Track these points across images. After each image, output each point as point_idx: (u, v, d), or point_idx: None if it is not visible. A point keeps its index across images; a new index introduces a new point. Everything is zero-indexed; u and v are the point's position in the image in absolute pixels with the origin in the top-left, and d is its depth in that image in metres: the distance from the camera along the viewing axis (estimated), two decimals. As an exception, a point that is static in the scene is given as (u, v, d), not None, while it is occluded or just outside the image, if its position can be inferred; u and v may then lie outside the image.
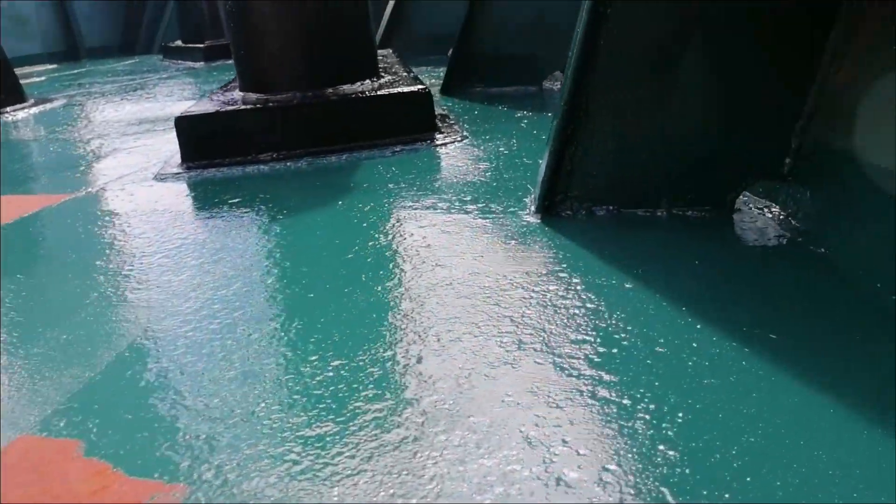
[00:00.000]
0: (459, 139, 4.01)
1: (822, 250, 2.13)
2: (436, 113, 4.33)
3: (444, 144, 3.93)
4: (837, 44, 2.23)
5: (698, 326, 1.75)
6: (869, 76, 2.10)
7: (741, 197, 2.52)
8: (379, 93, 3.98)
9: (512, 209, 2.77)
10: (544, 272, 2.16)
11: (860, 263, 1.97)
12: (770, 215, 2.44)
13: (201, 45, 9.99)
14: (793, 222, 2.34)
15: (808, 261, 2.11)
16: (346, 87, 4.13)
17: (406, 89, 3.99)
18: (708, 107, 2.43)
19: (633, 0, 2.32)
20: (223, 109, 3.91)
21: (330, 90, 4.11)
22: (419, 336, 1.82)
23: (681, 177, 2.51)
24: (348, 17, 4.21)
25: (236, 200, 3.24)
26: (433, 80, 6.14)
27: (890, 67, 1.98)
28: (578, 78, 2.47)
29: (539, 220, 2.62)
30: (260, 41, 4.09)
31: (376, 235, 2.63)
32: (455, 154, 3.74)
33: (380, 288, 2.16)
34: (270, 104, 3.95)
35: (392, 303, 2.04)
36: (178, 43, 10.65)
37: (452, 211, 2.83)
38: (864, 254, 1.98)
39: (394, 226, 2.73)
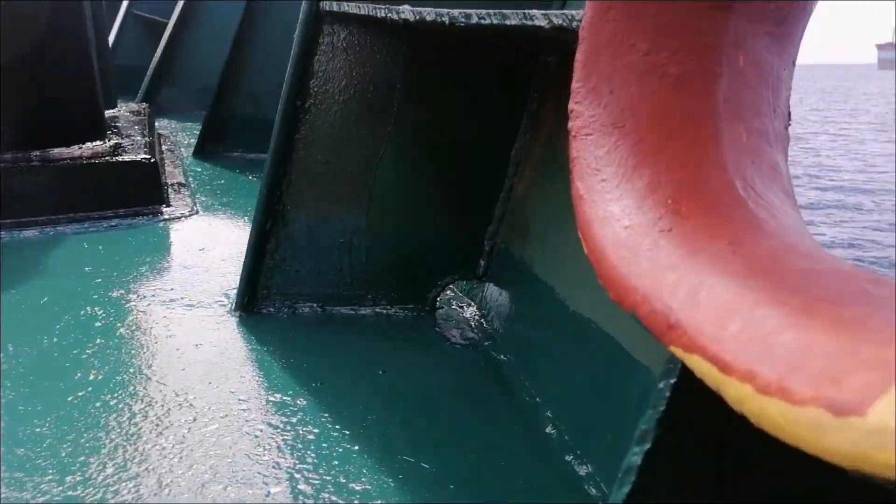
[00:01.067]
0: (189, 213, 3.71)
1: (503, 357, 2.16)
2: (171, 182, 3.99)
3: (171, 220, 3.60)
4: (519, 154, 2.34)
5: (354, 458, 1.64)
6: (539, 186, 2.21)
7: (445, 294, 2.53)
8: (94, 160, 3.58)
9: (212, 304, 2.54)
10: (208, 382, 1.95)
11: (529, 376, 2.00)
12: (470, 315, 2.46)
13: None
14: (484, 324, 2.37)
15: (491, 369, 2.12)
16: (58, 151, 3.67)
17: (126, 158, 3.63)
18: (407, 205, 2.42)
19: (323, 112, 2.27)
20: None
21: (37, 153, 3.62)
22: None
23: (383, 274, 2.46)
24: (65, 69, 3.77)
25: None
26: (192, 140, 5.76)
27: (553, 180, 2.09)
28: (278, 166, 2.35)
29: (237, 319, 2.41)
30: (-53, 92, 3.51)
31: (40, 334, 2.25)
32: (178, 231, 3.44)
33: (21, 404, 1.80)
34: (-46, 167, 3.37)
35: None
36: None
37: (143, 303, 2.53)
38: (534, 367, 2.02)
39: (70, 322, 2.37)
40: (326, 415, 1.81)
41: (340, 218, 2.42)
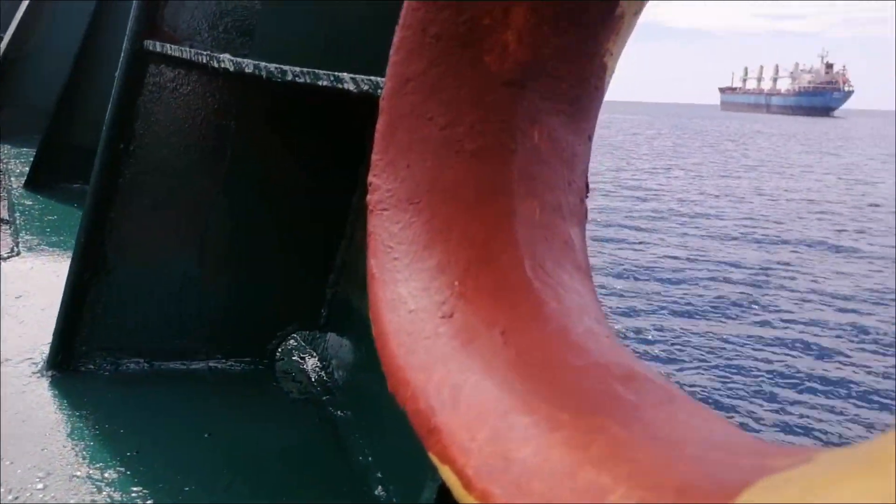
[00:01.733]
0: (7, 254, 3.37)
1: (341, 413, 2.09)
2: (-9, 218, 3.61)
3: (-14, 261, 3.25)
4: (360, 203, 2.31)
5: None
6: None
7: (286, 345, 2.43)
8: None
9: (21, 362, 2.29)
10: (3, 457, 1.74)
11: (365, 433, 1.95)
12: (311, 366, 2.38)
13: None
14: (325, 376, 2.30)
15: (328, 426, 2.05)
16: None
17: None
18: (243, 254, 2.32)
19: (150, 155, 2.13)
20: None
21: None
22: None
23: (218, 325, 2.33)
24: None
25: None
26: (26, 169, 5.27)
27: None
28: (98, 211, 2.17)
29: (49, 379, 2.19)
30: None
31: None
32: (-7, 276, 3.10)
33: None
34: None
35: None
36: None
37: (-64, 366, 2.24)
38: (369, 424, 1.97)
39: None
40: (138, 489, 1.67)
41: (170, 266, 2.27)
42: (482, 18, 1.03)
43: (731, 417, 5.87)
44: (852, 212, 17.17)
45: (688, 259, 11.02)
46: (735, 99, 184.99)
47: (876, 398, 6.29)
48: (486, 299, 0.89)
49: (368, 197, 1.07)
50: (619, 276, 9.69)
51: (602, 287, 8.84)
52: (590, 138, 1.21)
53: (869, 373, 6.77)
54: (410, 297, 0.91)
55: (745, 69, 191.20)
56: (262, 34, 2.07)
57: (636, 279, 9.63)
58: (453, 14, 1.03)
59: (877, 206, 17.65)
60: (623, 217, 14.38)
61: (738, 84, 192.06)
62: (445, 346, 0.80)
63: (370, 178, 1.08)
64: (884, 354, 7.41)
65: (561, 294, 0.96)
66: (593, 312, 0.97)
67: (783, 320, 8.05)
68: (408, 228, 1.00)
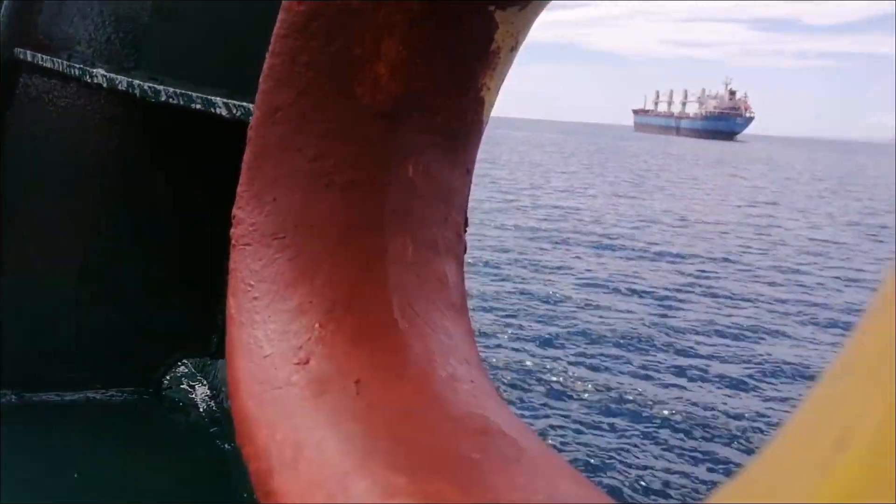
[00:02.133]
0: None
1: (227, 446, 2.00)
2: None
3: None
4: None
5: None
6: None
7: (173, 373, 2.31)
8: None
9: None
10: None
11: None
12: (200, 395, 2.27)
13: None
14: (214, 406, 2.20)
15: (213, 461, 1.95)
16: None
17: None
18: (127, 277, 2.19)
19: (21, 171, 1.99)
20: None
21: None
22: None
23: (98, 353, 2.19)
24: None
25: None
26: None
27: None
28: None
29: None
30: None
31: None
32: None
33: None
34: None
35: None
36: None
37: None
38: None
39: None
40: (-8, 538, 1.53)
41: (45, 290, 2.12)
42: (353, 49, 1.00)
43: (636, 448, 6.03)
44: (758, 232, 18.19)
45: (604, 280, 11.32)
46: (647, 121, 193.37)
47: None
48: (346, 343, 0.85)
49: (231, 231, 1.01)
50: (530, 299, 9.86)
51: (506, 312, 8.97)
52: (469, 171, 1.20)
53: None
54: (267, 340, 0.86)
55: (657, 93, 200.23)
56: (150, 47, 1.98)
57: (550, 302, 9.83)
58: (323, 43, 1.00)
59: (779, 227, 18.76)
60: (539, 237, 14.68)
61: (650, 106, 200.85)
62: (296, 397, 0.76)
63: (234, 211, 1.03)
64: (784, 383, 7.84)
65: (428, 335, 0.93)
66: (462, 353, 0.96)
67: (690, 348, 8.38)
68: (270, 266, 0.95)
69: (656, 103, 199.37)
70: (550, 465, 0.67)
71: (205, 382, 2.32)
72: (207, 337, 2.24)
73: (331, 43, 1.00)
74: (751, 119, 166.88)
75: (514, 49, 1.16)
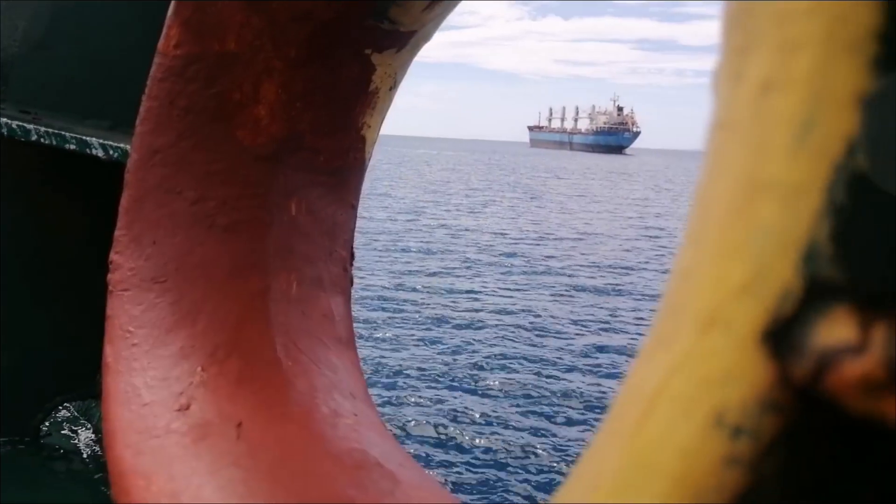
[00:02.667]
0: None
1: (115, 490, 1.92)
2: None
3: None
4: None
5: None
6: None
7: (54, 418, 2.19)
8: None
9: None
10: None
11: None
12: (83, 440, 2.16)
13: None
14: (98, 449, 2.10)
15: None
16: None
17: None
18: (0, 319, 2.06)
19: None
20: None
21: None
22: None
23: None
24: None
25: None
26: None
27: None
28: None
29: None
30: None
31: None
32: None
33: None
34: None
35: None
36: None
37: None
38: None
39: None
40: None
41: None
42: (232, 93, 1.02)
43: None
44: (650, 239, 19.17)
45: (506, 297, 11.57)
46: (542, 137, 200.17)
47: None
48: (229, 386, 0.86)
49: (109, 276, 1.00)
50: (432, 320, 9.97)
51: (413, 336, 9.03)
52: (353, 206, 1.23)
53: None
54: (146, 388, 0.86)
55: (550, 109, 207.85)
56: (19, 79, 1.89)
57: (449, 323, 9.96)
58: (202, 87, 1.01)
59: (668, 234, 19.84)
60: (441, 256, 14.85)
61: (544, 123, 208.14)
62: (176, 444, 0.76)
63: (112, 256, 1.01)
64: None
65: (312, 372, 0.96)
66: (347, 386, 0.98)
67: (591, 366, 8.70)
68: (150, 311, 0.95)
69: (550, 120, 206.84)
70: (427, 494, 0.71)
71: (89, 426, 2.21)
72: (91, 378, 2.15)
73: (210, 87, 1.01)
74: (638, 133, 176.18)
75: (392, 87, 1.21)
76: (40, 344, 2.10)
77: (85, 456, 2.02)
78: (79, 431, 2.20)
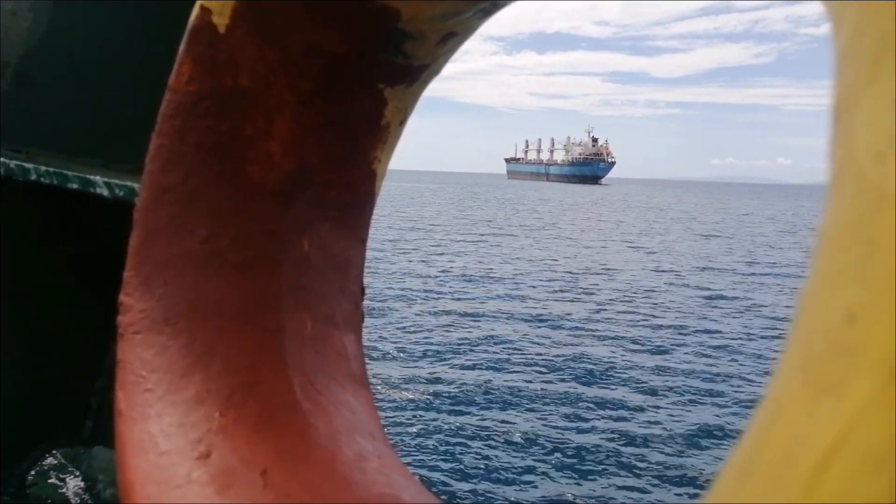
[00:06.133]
0: None
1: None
2: None
3: None
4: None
5: None
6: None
7: (40, 466, 2.10)
8: None
9: None
10: None
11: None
12: (72, 488, 2.07)
13: None
14: (89, 497, 2.02)
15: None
16: None
17: None
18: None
19: None
20: None
21: None
22: None
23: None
24: None
25: None
26: None
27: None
28: None
29: None
30: None
31: None
32: None
33: None
34: None
35: None
36: None
37: None
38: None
39: None
40: None
41: None
42: (244, 129, 1.00)
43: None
44: (634, 271, 19.30)
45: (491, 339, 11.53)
46: (519, 168, 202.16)
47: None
48: (249, 431, 0.82)
49: (119, 318, 0.96)
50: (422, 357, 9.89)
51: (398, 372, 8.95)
52: (363, 241, 1.21)
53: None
54: (163, 435, 0.82)
55: (527, 141, 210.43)
56: (9, 118, 1.86)
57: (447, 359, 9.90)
58: (213, 124, 0.99)
59: (661, 272, 19.99)
60: (426, 296, 14.83)
61: (521, 155, 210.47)
62: (199, 495, 0.73)
63: (121, 298, 0.97)
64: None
65: (332, 413, 0.92)
66: (366, 427, 0.95)
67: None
68: (163, 354, 0.91)
69: (526, 151, 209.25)
70: None
71: (77, 473, 2.13)
72: (79, 424, 2.07)
73: (221, 123, 0.99)
74: (613, 163, 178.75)
75: (402, 122, 1.20)
76: (25, 389, 2.03)
77: (73, 502, 1.95)
78: (66, 479, 2.12)
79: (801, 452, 0.23)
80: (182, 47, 0.97)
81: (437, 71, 1.15)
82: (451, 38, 1.04)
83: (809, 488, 0.22)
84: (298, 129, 1.03)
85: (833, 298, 0.25)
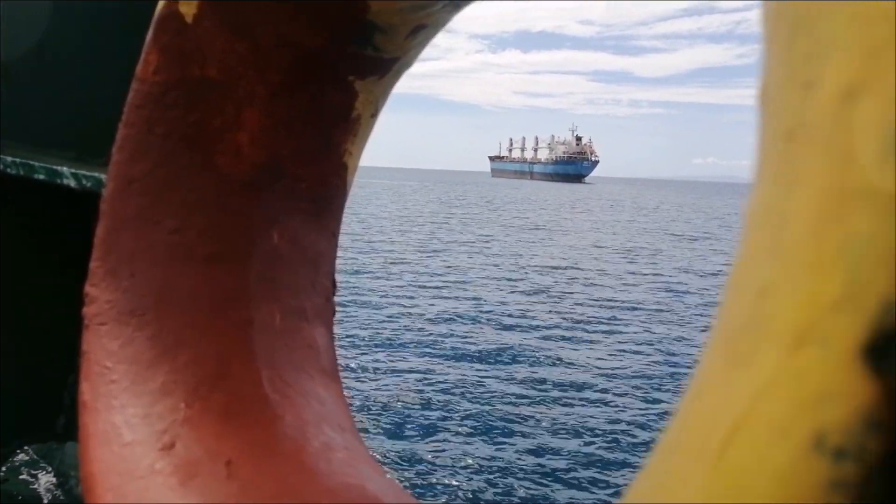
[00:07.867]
0: None
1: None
2: None
3: None
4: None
5: None
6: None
7: (11, 462, 2.07)
8: None
9: None
10: None
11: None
12: (44, 484, 2.05)
13: None
14: (61, 494, 2.00)
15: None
16: None
17: None
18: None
19: None
20: None
21: None
22: None
23: (-82, 449, 1.93)
24: None
25: None
26: None
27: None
28: None
29: None
30: None
31: None
32: None
33: None
34: None
35: None
36: None
37: None
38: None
39: None
40: None
41: None
42: (213, 120, 0.99)
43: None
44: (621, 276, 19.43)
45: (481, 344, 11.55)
46: (503, 166, 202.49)
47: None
48: (215, 423, 0.82)
49: (84, 310, 0.95)
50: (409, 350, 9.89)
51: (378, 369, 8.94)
52: (335, 235, 1.21)
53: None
54: (127, 426, 0.81)
55: (511, 140, 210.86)
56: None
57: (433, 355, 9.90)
58: (181, 114, 0.98)
59: (640, 274, 20.14)
60: (412, 292, 14.81)
61: (505, 153, 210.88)
62: (161, 486, 0.72)
63: (87, 289, 0.97)
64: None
65: (300, 405, 0.92)
66: (335, 419, 0.95)
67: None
68: (129, 345, 0.91)
69: (510, 150, 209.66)
70: None
71: (49, 469, 2.11)
72: (51, 420, 2.05)
73: (189, 114, 0.99)
74: (596, 162, 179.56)
75: (374, 115, 1.20)
76: (-3, 384, 2.00)
77: (46, 502, 1.93)
78: (39, 476, 2.09)
79: (714, 425, 0.24)
80: (149, 36, 0.97)
81: (408, 63, 1.15)
82: (421, 31, 1.05)
83: (718, 460, 0.23)
84: (268, 121, 1.03)
85: (750, 274, 0.26)
